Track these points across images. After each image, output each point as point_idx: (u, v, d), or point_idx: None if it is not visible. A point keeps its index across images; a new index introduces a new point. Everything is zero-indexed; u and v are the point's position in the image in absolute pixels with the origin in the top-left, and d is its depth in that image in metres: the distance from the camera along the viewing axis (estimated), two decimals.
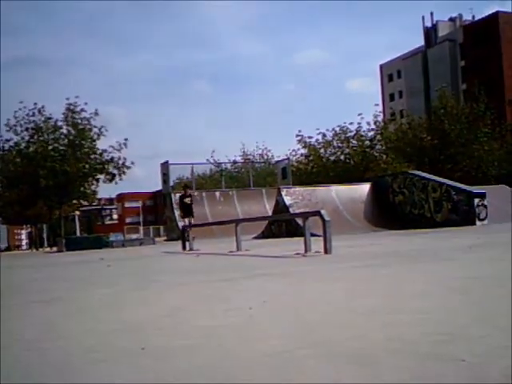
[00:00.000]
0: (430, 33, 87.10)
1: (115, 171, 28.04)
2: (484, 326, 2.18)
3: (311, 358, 1.88)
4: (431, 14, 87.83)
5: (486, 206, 14.46)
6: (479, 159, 36.73)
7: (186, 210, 17.84)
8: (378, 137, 38.61)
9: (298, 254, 7.22)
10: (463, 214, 14.70)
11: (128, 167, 28.05)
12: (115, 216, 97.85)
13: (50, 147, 27.89)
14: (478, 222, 14.17)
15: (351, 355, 1.88)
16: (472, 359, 1.71)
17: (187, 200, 17.79)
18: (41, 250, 34.57)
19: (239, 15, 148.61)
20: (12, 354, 2.37)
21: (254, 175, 32.70)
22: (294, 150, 39.94)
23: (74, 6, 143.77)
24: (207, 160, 43.52)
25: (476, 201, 14.43)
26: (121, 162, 27.99)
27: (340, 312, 2.79)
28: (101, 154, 28.25)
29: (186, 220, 17.29)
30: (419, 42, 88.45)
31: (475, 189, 15.45)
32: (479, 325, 2.22)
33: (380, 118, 40.68)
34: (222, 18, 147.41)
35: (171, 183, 27.54)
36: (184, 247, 12.25)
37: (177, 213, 24.36)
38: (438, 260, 5.30)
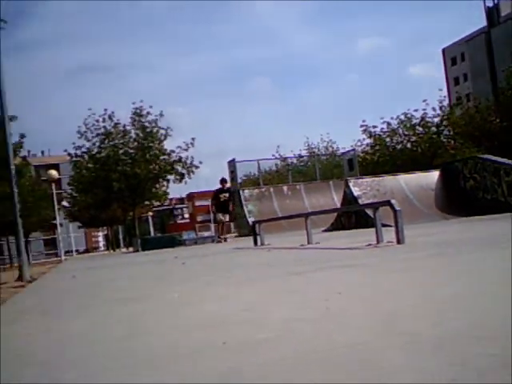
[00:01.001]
0: (492, 12, 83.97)
1: (184, 171, 28.52)
2: None
3: (391, 348, 1.89)
4: None
5: None
6: None
7: (222, 207, 16.66)
8: (445, 122, 37.62)
9: (369, 244, 7.17)
10: None
11: (197, 167, 28.49)
12: (186, 215, 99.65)
13: (121, 151, 28.71)
14: None
15: (432, 344, 1.87)
16: None
17: (223, 196, 16.40)
18: (117, 250, 35.62)
19: (297, 8, 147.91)
20: (104, 350, 2.50)
21: (320, 168, 32.55)
22: (359, 141, 39.52)
23: (134, 12, 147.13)
24: (273, 155, 43.66)
25: None
26: (189, 161, 28.45)
27: (418, 301, 2.77)
28: (169, 155, 28.80)
29: (220, 215, 16.36)
30: (481, 22, 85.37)
31: None
32: None
33: (445, 103, 39.63)
34: (281, 13, 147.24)
35: (239, 180, 27.79)
36: (255, 242, 12.36)
37: (246, 209, 24.60)
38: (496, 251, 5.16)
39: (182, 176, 28.65)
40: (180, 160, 28.56)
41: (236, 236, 26.95)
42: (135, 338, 2.69)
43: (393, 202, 7.24)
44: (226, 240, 17.33)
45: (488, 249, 5.21)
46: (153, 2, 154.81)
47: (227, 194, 16.75)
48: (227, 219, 16.78)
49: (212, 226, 62.35)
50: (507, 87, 37.04)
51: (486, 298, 2.63)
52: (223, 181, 17.20)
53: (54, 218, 33.69)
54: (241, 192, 25.40)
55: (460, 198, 16.73)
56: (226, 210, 16.63)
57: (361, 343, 2.01)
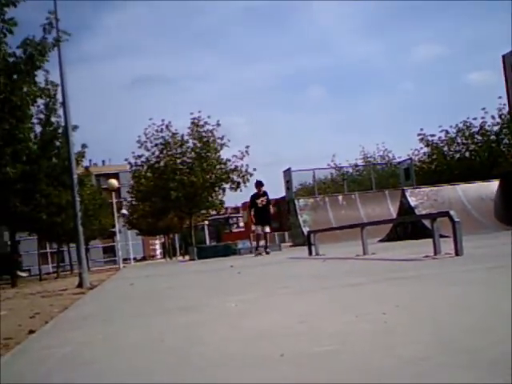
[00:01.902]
0: None
1: (239, 179, 28.78)
2: None
3: (453, 365, 1.84)
4: None
5: None
6: None
7: (261, 215, 14.84)
8: (505, 131, 36.66)
9: (427, 256, 7.04)
10: None
11: (251, 174, 28.70)
12: (241, 224, 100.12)
13: (178, 161, 29.24)
14: None
15: (494, 361, 1.82)
16: None
17: (261, 201, 14.62)
18: (174, 258, 36.11)
19: (351, 18, 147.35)
20: (155, 358, 2.54)
21: (376, 177, 32.25)
22: (416, 150, 38.92)
23: (193, 23, 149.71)
24: (328, 165, 43.53)
25: None
26: (244, 169, 28.69)
27: (480, 316, 2.70)
28: (225, 164, 29.11)
29: (259, 228, 14.74)
30: None
31: None
32: None
33: (505, 111, 38.64)
34: (336, 23, 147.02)
35: (294, 189, 27.81)
36: (310, 252, 12.32)
37: (301, 218, 24.51)
38: None
39: (238, 184, 28.92)
40: (236, 169, 28.83)
41: (290, 245, 26.92)
42: (191, 348, 2.71)
43: (451, 212, 7.10)
44: (267, 253, 15.64)
45: None
46: (209, 14, 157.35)
47: (265, 199, 14.89)
48: (268, 230, 15.01)
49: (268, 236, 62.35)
50: None
51: None
52: (259, 184, 15.22)
53: (114, 226, 34.49)
54: (296, 201, 25.42)
55: None
56: (265, 218, 14.90)
57: (422, 358, 1.97)
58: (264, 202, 14.48)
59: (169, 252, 51.16)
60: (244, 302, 4.56)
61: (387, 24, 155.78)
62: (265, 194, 14.88)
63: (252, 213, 14.99)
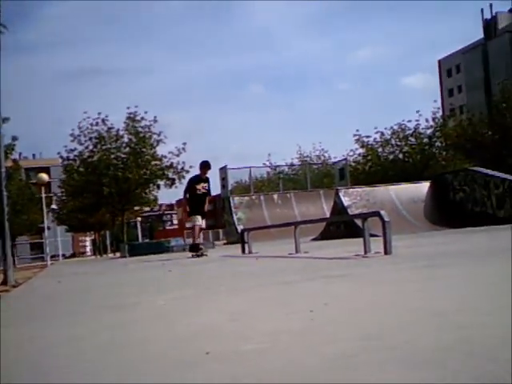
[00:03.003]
0: (490, 25, 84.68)
1: (175, 176, 28.55)
2: None
3: (377, 362, 1.85)
4: (490, 5, 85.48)
5: None
6: None
7: (198, 204, 11.77)
8: (438, 134, 37.82)
9: (357, 255, 7.15)
10: None
11: (187, 171, 28.55)
12: (175, 221, 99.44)
13: (113, 156, 28.71)
14: None
15: (418, 358, 1.84)
16: None
17: (202, 187, 11.64)
18: (104, 255, 35.45)
19: (294, 16, 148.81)
20: (87, 358, 2.45)
21: (312, 177, 32.62)
22: (351, 150, 39.65)
23: (133, 16, 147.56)
24: (264, 163, 43.73)
25: None
26: (180, 166, 28.49)
27: (404, 314, 2.74)
28: (160, 160, 28.81)
29: (198, 220, 11.65)
30: (478, 35, 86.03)
31: None
32: None
33: (439, 115, 39.85)
34: (278, 21, 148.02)
35: (229, 187, 27.80)
36: (243, 250, 12.31)
37: (235, 216, 24.52)
38: (504, 258, 5.15)
39: (173, 181, 28.70)
40: (171, 166, 28.59)
41: (224, 243, 26.90)
42: (119, 347, 2.65)
43: (382, 212, 7.23)
44: (203, 254, 12.20)
45: (473, 262, 5.20)
46: (152, 7, 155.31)
47: (206, 185, 11.86)
48: (204, 225, 12.04)
49: (202, 233, 62.03)
50: (501, 100, 37.32)
51: (473, 312, 2.60)
52: (205, 165, 11.92)
53: (42, 222, 33.53)
54: (231, 199, 25.39)
55: (449, 210, 16.81)
56: (203, 210, 11.80)
57: (348, 356, 1.98)
58: (205, 190, 11.49)
59: (99, 249, 50.20)
60: (174, 300, 4.49)
61: (328, 24, 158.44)
62: (207, 180, 11.89)
63: (188, 197, 11.79)
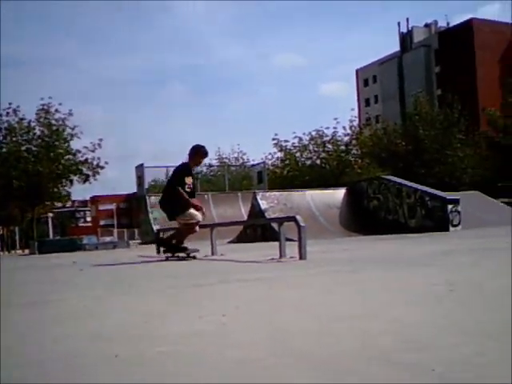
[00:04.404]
0: (406, 38, 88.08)
1: (89, 172, 27.85)
2: (457, 335, 2.18)
3: (283, 366, 1.87)
4: (407, 19, 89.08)
5: (459, 212, 14.63)
6: (453, 165, 37.23)
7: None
8: (354, 142, 38.85)
9: (272, 259, 7.21)
10: (437, 220, 14.85)
11: (102, 167, 27.91)
12: (89, 218, 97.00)
13: (23, 148, 27.60)
14: (451, 228, 14.32)
15: (324, 363, 1.87)
16: (442, 368, 1.71)
17: (190, 181, 9.15)
18: (13, 252, 34.08)
19: (217, 18, 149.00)
20: None
21: (230, 179, 32.68)
22: (270, 154, 40.03)
23: (51, 7, 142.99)
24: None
25: (450, 207, 14.58)
26: (95, 162, 27.83)
27: (314, 319, 2.78)
28: (74, 155, 28.03)
29: (199, 216, 9.29)
30: (395, 47, 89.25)
31: (449, 195, 15.62)
32: (452, 333, 2.22)
33: (355, 123, 40.98)
34: (200, 21, 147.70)
35: (146, 186, 27.38)
36: (158, 251, 12.14)
37: (151, 215, 24.17)
38: (412, 266, 5.33)
39: (87, 177, 27.96)
40: (86, 161, 27.87)
41: (140, 243, 26.49)
42: (27, 346, 2.55)
43: (298, 217, 7.32)
44: (189, 256, 9.52)
45: (384, 268, 5.34)
46: (75, 2, 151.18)
47: (192, 181, 9.36)
48: (201, 218, 9.39)
49: (115, 231, 60.70)
50: (414, 113, 38.78)
51: (379, 319, 2.66)
52: (199, 152, 9.28)
53: None
54: (147, 198, 25.02)
55: (364, 217, 17.26)
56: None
57: (254, 360, 1.98)
58: (190, 188, 9.13)
59: (7, 245, 48.21)
60: (84, 300, 4.35)
61: (253, 29, 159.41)
62: (192, 176, 9.34)
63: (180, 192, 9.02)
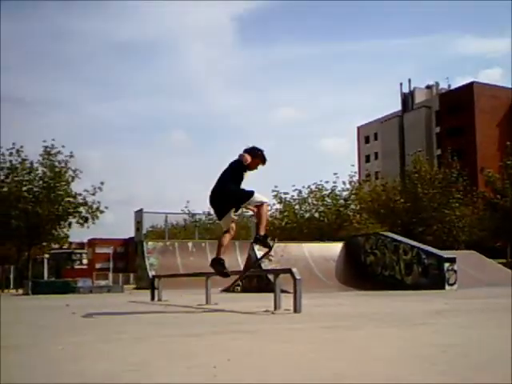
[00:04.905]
0: (407, 99, 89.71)
1: (88, 215, 27.90)
2: None
3: None
4: (409, 80, 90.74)
5: (455, 271, 14.60)
6: (450, 224, 37.25)
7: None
8: (353, 197, 39.01)
9: (267, 311, 7.17)
10: (433, 278, 14.81)
11: (102, 211, 27.96)
12: (85, 261, 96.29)
13: (24, 188, 27.71)
14: (447, 287, 14.28)
15: None
16: None
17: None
18: (6, 291, 33.75)
19: (223, 69, 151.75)
20: None
21: None
22: (269, 205, 40.08)
23: (54, 48, 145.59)
24: (182, 210, 43.49)
25: (446, 265, 14.57)
26: (95, 206, 27.90)
27: (306, 375, 2.76)
28: (74, 197, 28.12)
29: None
30: (397, 107, 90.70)
31: (446, 253, 15.62)
32: None
33: (355, 179, 41.27)
34: (205, 71, 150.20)
35: (144, 231, 27.37)
36: (153, 297, 12.06)
37: (148, 261, 24.09)
38: (408, 325, 5.30)
39: (86, 220, 27.98)
40: (85, 203, 27.94)
41: (134, 288, 26.29)
42: None
43: (294, 270, 7.31)
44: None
45: (378, 326, 5.31)
46: (76, 42, 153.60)
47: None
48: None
49: (110, 275, 60.22)
50: (413, 171, 39.05)
51: (371, 377, 2.65)
52: (262, 156, 8.01)
53: None
54: (144, 243, 24.99)
55: (360, 272, 17.21)
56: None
57: None
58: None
59: (1, 284, 47.75)
60: (72, 345, 4.31)
61: (254, 80, 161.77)
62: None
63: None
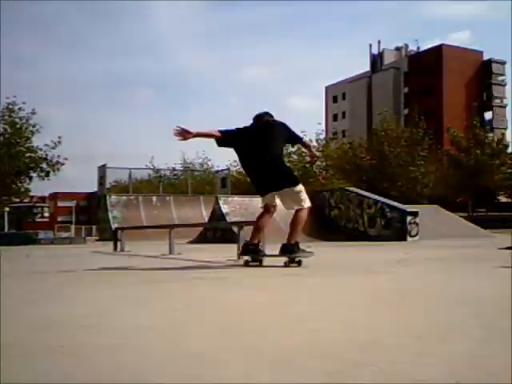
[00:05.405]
0: (376, 60, 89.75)
1: (49, 169, 27.78)
2: (402, 336, 2.19)
3: (232, 360, 1.86)
4: (378, 42, 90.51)
5: (417, 224, 14.84)
6: (415, 180, 37.76)
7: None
8: (319, 154, 39.19)
9: (230, 260, 7.19)
10: (395, 230, 15.04)
11: (62, 164, 27.82)
12: (46, 214, 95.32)
13: None
14: (409, 238, 14.53)
15: (272, 359, 1.87)
16: (386, 366, 1.73)
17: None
18: None
19: (191, 26, 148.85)
20: None
21: (193, 183, 32.53)
22: (235, 161, 39.92)
23: (17, 6, 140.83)
24: (146, 166, 43.12)
25: (409, 218, 14.80)
26: (55, 159, 27.85)
27: (265, 318, 2.78)
28: (35, 152, 27.96)
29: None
30: (366, 68, 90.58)
31: (409, 207, 15.84)
32: (398, 334, 2.23)
33: (322, 137, 41.32)
34: (173, 29, 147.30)
35: (107, 185, 27.14)
36: (115, 248, 12.00)
37: (111, 214, 23.90)
38: (367, 272, 5.36)
39: (47, 173, 27.83)
40: (46, 158, 27.83)
41: (96, 240, 26.23)
42: None
43: None
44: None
45: (338, 273, 5.37)
46: (40, 2, 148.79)
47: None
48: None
49: (73, 227, 59.84)
50: (380, 130, 39.31)
51: (329, 320, 2.66)
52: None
53: None
54: (107, 197, 24.75)
55: (325, 225, 17.32)
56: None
57: (203, 354, 1.97)
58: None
59: None
60: (34, 291, 4.27)
61: (218, 40, 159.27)
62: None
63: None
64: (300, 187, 6.56)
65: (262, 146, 6.40)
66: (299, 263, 6.18)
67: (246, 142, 6.48)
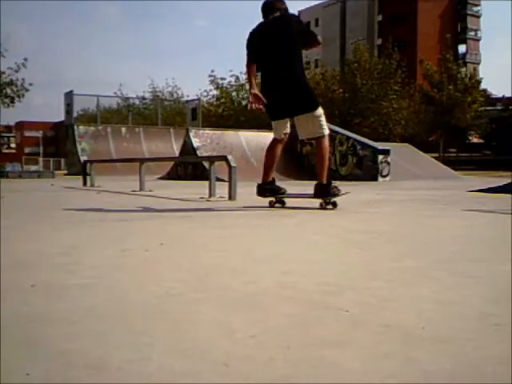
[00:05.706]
0: None
1: (13, 95, 26.78)
2: (372, 280, 2.23)
3: (203, 301, 1.88)
4: None
5: (389, 163, 14.95)
6: (387, 116, 37.84)
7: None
8: None
9: (201, 198, 7.19)
10: (367, 169, 15.15)
11: (27, 89, 26.85)
12: (13, 145, 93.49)
13: None
14: (380, 178, 14.65)
15: (243, 300, 1.89)
16: (354, 309, 1.77)
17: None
18: None
19: None
20: None
21: (163, 113, 32.03)
22: (205, 91, 39.46)
23: None
24: (114, 93, 42.20)
25: (380, 157, 14.86)
26: (19, 83, 26.75)
27: (237, 258, 2.79)
28: None
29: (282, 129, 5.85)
30: None
31: (380, 145, 15.89)
32: (368, 278, 2.27)
33: None
34: None
35: (75, 114, 26.52)
36: (85, 183, 11.90)
37: (79, 146, 23.53)
38: (339, 213, 5.41)
39: (12, 100, 26.87)
40: (11, 82, 26.71)
41: (65, 174, 25.88)
42: None
43: (229, 157, 7.29)
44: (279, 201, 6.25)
45: (309, 213, 5.41)
46: None
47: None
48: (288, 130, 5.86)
49: (41, 160, 58.85)
50: (353, 60, 38.90)
51: (299, 261, 2.70)
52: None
53: None
54: (75, 127, 24.26)
55: (296, 162, 17.36)
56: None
57: (175, 295, 1.98)
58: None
59: None
60: (1, 228, 4.21)
61: None
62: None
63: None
64: (320, 111, 5.55)
65: (276, 57, 5.39)
66: (334, 204, 5.57)
67: (263, 54, 5.40)
